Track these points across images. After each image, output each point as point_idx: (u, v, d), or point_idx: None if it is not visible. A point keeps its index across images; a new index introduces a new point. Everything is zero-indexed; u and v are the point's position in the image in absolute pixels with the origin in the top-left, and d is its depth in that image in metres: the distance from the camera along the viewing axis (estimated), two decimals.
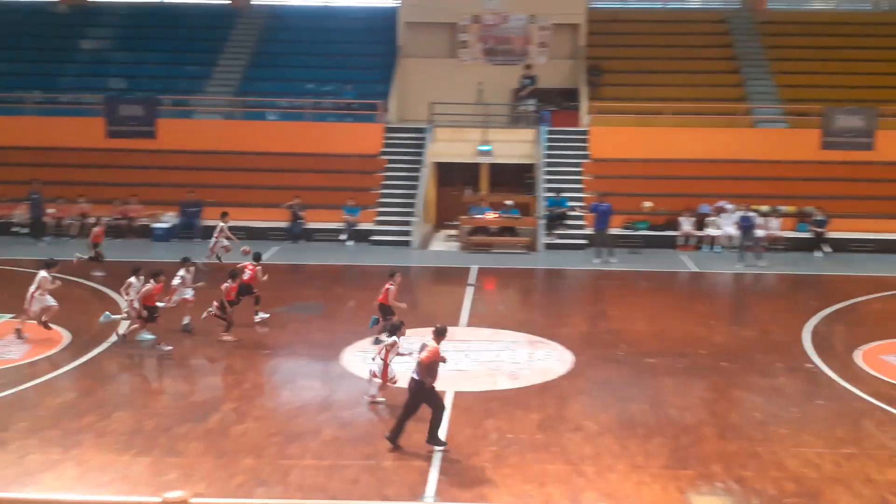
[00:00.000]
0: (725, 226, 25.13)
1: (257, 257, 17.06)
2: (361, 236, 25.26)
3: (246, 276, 15.98)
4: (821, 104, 28.08)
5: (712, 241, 25.10)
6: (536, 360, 14.65)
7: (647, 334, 16.33)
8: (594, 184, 26.70)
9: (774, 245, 24.14)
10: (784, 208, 25.63)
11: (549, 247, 24.86)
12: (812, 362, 14.54)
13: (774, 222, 24.67)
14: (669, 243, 25.28)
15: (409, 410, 10.71)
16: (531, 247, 24.77)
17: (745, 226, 23.23)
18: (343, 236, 25.20)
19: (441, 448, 10.62)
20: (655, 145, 27.53)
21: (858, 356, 14.82)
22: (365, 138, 28.24)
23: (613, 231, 24.01)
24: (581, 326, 17.32)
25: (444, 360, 10.81)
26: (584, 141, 28.24)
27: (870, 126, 27.55)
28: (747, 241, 23.20)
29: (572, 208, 25.75)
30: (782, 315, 17.99)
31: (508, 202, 26.33)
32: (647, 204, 26.04)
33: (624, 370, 14.15)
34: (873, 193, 26.43)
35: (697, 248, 25.12)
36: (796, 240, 25.03)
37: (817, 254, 24.45)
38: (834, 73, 30.40)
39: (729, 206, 25.45)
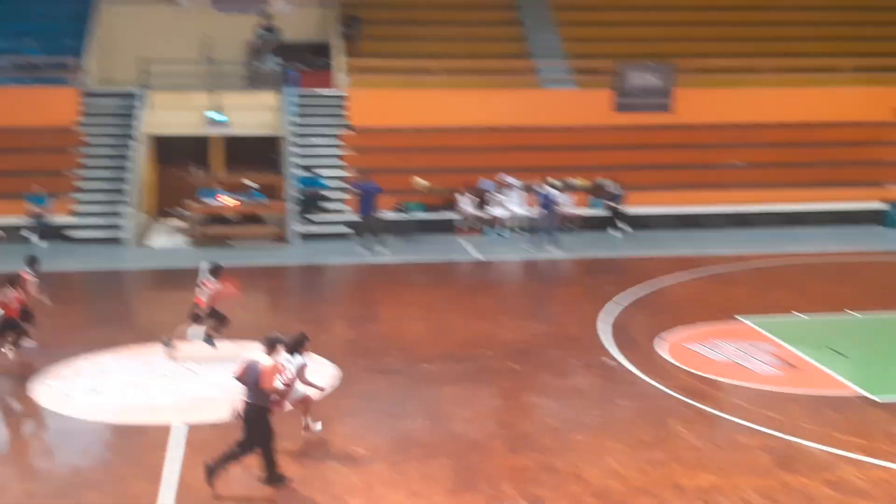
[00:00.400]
0: (510, 204, 26.13)
1: (32, 262, 15.98)
2: (54, 233, 24.47)
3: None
4: (612, 60, 29.84)
5: (496, 222, 26.06)
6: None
7: (424, 336, 16.69)
8: (356, 159, 26.97)
9: (568, 225, 25.33)
10: (575, 181, 27.01)
11: (304, 237, 24.92)
12: (611, 356, 15.39)
13: (567, 198, 25.89)
14: (448, 227, 26.04)
15: (247, 445, 10.34)
16: (281, 238, 24.75)
17: (547, 204, 24.20)
18: (29, 233, 24.18)
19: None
20: (427, 111, 28.22)
21: (662, 346, 15.87)
22: (54, 107, 27.25)
23: (382, 215, 24.38)
24: (345, 333, 17.46)
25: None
26: (341, 107, 28.48)
27: (666, 84, 29.57)
28: (547, 222, 24.19)
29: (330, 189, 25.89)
30: (577, 304, 19.00)
31: (250, 183, 26.05)
32: (421, 181, 26.58)
33: (398, 381, 14.36)
34: (672, 161, 28.49)
35: (480, 231, 25.97)
36: (590, 217, 26.47)
37: (614, 232, 26.01)
38: (626, 24, 32.39)
39: (514, 182, 26.48)
